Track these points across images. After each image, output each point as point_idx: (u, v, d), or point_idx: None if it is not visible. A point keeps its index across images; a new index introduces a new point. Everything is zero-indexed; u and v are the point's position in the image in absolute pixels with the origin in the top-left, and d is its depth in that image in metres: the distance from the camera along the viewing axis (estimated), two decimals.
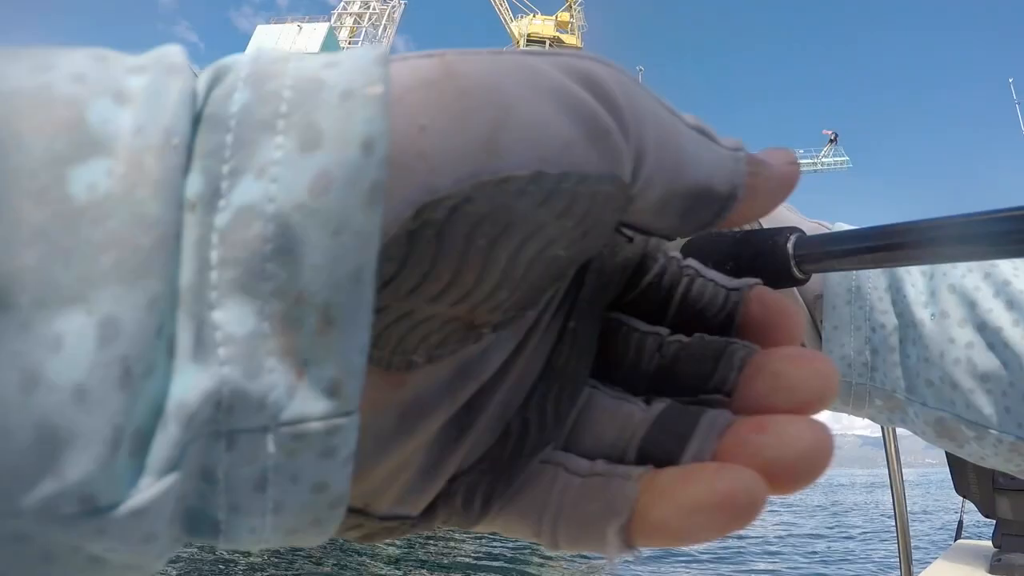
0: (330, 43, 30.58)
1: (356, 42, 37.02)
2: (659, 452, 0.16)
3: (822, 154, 30.16)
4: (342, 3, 37.84)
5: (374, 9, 38.03)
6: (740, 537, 9.09)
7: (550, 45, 30.57)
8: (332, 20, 34.76)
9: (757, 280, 0.19)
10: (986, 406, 0.33)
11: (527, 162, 0.13)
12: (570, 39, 31.71)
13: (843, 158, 30.17)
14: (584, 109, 0.13)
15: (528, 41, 30.57)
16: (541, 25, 31.92)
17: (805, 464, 0.14)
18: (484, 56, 0.13)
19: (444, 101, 0.12)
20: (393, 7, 39.25)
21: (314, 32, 29.93)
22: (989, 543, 2.00)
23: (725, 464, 0.14)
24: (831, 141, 30.17)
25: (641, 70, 30.72)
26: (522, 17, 32.39)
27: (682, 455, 0.15)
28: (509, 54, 0.14)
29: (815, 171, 30.56)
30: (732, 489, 0.14)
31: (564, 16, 32.44)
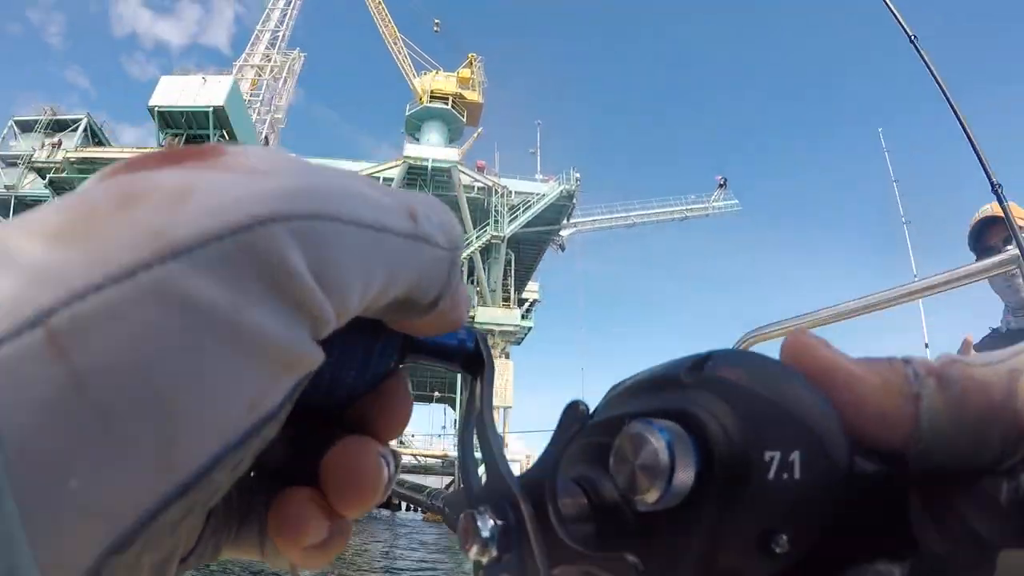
0: (235, 96, 30.63)
1: (257, 94, 37.17)
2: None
3: (713, 199, 32.21)
4: (243, 55, 38.03)
5: (275, 62, 38.38)
6: None
7: (452, 102, 31.73)
8: (234, 72, 34.87)
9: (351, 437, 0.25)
10: None
11: (206, 461, 0.15)
12: (472, 95, 32.88)
13: (733, 201, 32.28)
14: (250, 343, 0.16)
15: (431, 97, 31.61)
16: (444, 81, 32.83)
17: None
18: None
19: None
20: (293, 59, 39.72)
21: (219, 84, 29.92)
22: None
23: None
24: (720, 186, 32.26)
25: (539, 124, 32.20)
26: (425, 73, 33.31)
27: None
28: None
29: (707, 215, 32.55)
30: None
31: (465, 73, 33.52)
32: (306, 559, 0.25)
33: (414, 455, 28.44)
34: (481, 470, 0.27)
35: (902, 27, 2.74)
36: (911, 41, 2.66)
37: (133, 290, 0.14)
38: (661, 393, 0.23)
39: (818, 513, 0.20)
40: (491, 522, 0.24)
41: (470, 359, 0.30)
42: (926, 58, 2.58)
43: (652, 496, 0.20)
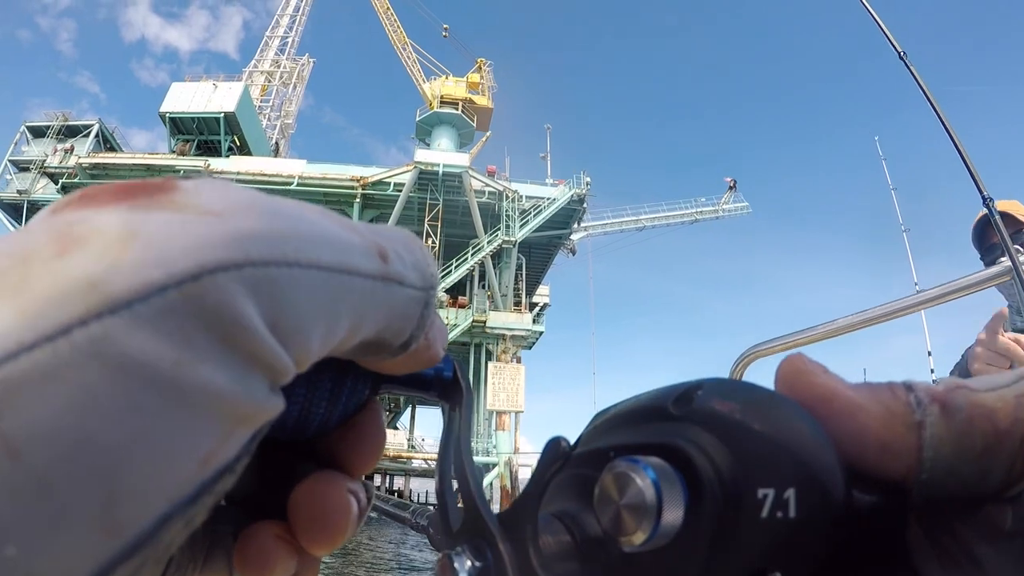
0: (245, 102, 30.76)
1: (268, 100, 37.29)
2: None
3: (723, 201, 32.16)
4: (252, 61, 38.17)
5: (285, 68, 38.48)
6: None
7: (462, 107, 31.82)
8: (244, 78, 35.00)
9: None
10: None
11: (153, 521, 0.14)
12: (482, 100, 32.98)
13: (743, 203, 32.14)
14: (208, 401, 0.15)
15: (441, 102, 31.65)
16: (453, 87, 32.87)
17: None
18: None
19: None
20: (303, 65, 39.82)
21: (229, 91, 30.04)
22: None
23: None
24: (730, 188, 32.19)
25: (549, 128, 32.19)
26: (434, 79, 33.40)
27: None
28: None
29: (717, 217, 32.52)
30: None
31: (474, 77, 33.59)
32: None
33: (424, 459, 28.49)
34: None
35: (892, 44, 2.76)
36: (900, 57, 2.68)
37: (67, 350, 0.13)
38: (648, 425, 0.22)
39: (814, 551, 0.19)
40: (468, 563, 0.23)
41: (447, 388, 0.29)
42: (915, 73, 2.59)
43: (639, 537, 0.19)
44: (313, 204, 0.20)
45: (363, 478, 0.27)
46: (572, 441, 0.25)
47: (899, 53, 2.73)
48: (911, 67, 2.65)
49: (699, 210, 32.03)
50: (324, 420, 0.25)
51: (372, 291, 0.20)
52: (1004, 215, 2.12)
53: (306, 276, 0.17)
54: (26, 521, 0.12)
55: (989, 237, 2.22)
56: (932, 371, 5.89)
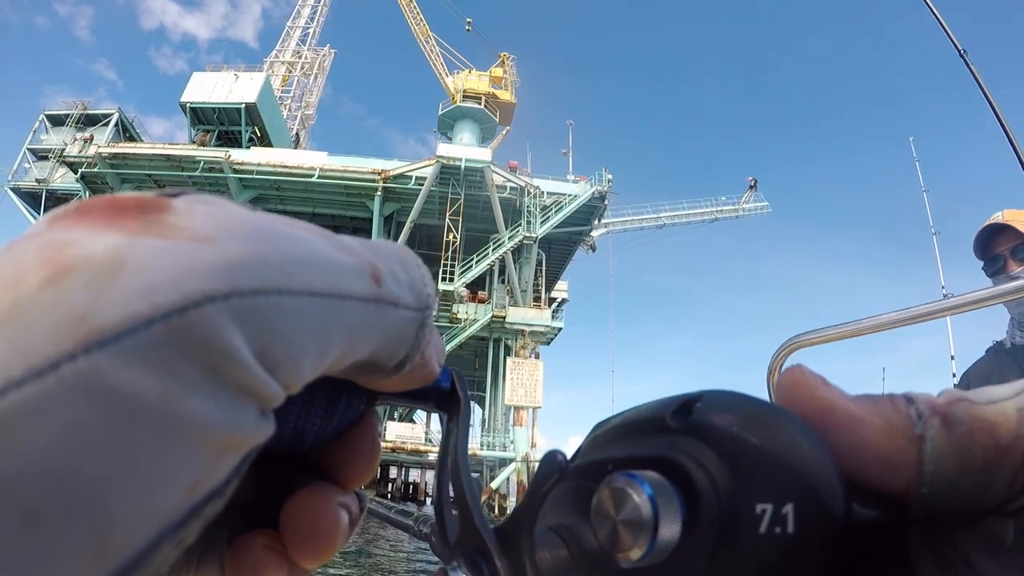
0: (266, 93, 30.69)
1: (288, 91, 37.23)
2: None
3: (743, 200, 32.04)
4: (273, 51, 38.12)
5: (306, 58, 38.42)
6: None
7: (485, 101, 31.70)
8: (265, 69, 34.96)
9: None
10: None
11: (143, 547, 0.15)
12: (504, 95, 32.91)
13: (763, 203, 32.03)
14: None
15: (464, 96, 31.58)
16: (476, 81, 32.86)
17: None
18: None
19: None
20: (324, 56, 39.74)
21: (251, 82, 29.97)
22: None
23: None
24: (751, 187, 32.06)
25: (571, 124, 32.06)
26: (457, 73, 33.34)
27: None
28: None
29: (737, 217, 32.40)
30: None
31: (497, 72, 33.54)
32: None
33: (435, 453, 28.47)
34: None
35: (952, 42, 2.70)
36: (960, 55, 2.63)
37: (56, 385, 0.13)
38: (646, 438, 0.22)
39: (813, 567, 0.19)
40: None
41: (445, 398, 0.28)
42: (975, 72, 2.54)
43: (636, 554, 0.19)
44: (308, 224, 0.20)
45: (358, 489, 0.27)
46: (572, 453, 0.25)
47: (959, 51, 2.69)
48: (971, 66, 2.62)
49: (719, 209, 31.92)
50: (319, 435, 0.25)
51: (365, 314, 0.20)
52: (1008, 228, 2.10)
53: (296, 303, 0.17)
54: (18, 553, 0.13)
55: (993, 247, 2.15)
56: (954, 375, 5.69)
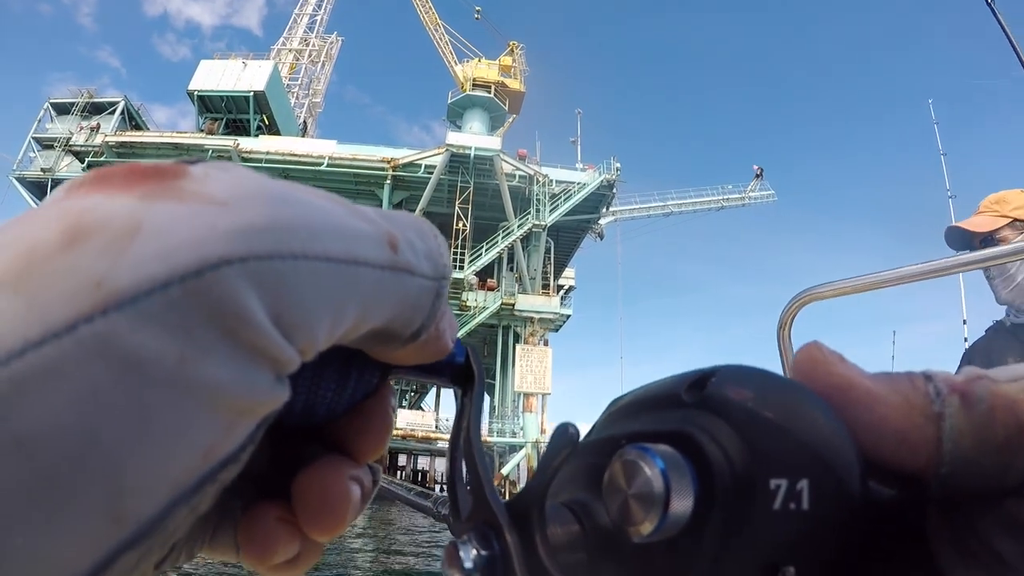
0: (275, 81, 30.65)
1: (296, 78, 37.14)
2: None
3: (749, 188, 32.17)
4: (281, 39, 38.00)
5: (313, 46, 38.31)
6: None
7: (495, 89, 31.71)
8: (273, 56, 34.87)
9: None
10: None
11: (158, 511, 0.15)
12: (513, 83, 32.87)
13: (769, 192, 32.17)
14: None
15: (474, 85, 31.58)
16: (486, 69, 32.79)
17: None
18: None
19: None
20: (331, 44, 39.62)
21: (259, 69, 29.93)
22: None
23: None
24: (757, 176, 32.23)
25: (579, 113, 32.09)
26: (467, 61, 33.28)
27: None
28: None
29: (743, 205, 32.56)
30: None
31: (506, 60, 33.47)
32: (275, 574, 0.24)
33: (446, 440, 28.73)
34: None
35: None
36: (987, 3, 2.57)
37: (73, 346, 0.13)
38: (660, 412, 0.22)
39: (829, 545, 0.19)
40: (474, 552, 0.23)
41: (459, 373, 0.28)
42: (1001, 20, 2.45)
43: (647, 528, 0.19)
44: (323, 190, 0.20)
45: (371, 462, 0.27)
46: (587, 428, 0.25)
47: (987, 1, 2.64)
48: (997, 12, 2.53)
49: (725, 197, 32.07)
50: (331, 407, 0.25)
51: (381, 281, 0.20)
52: (964, 231, 2.13)
53: (312, 267, 0.17)
54: (36, 513, 0.13)
55: (954, 245, 2.20)
56: (966, 339, 5.85)
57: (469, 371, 0.28)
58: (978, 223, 2.13)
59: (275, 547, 0.24)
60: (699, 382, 0.21)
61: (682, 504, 0.19)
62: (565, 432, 0.23)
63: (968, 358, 2.24)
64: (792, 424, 0.19)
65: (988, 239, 2.10)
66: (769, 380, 0.20)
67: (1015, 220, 2.07)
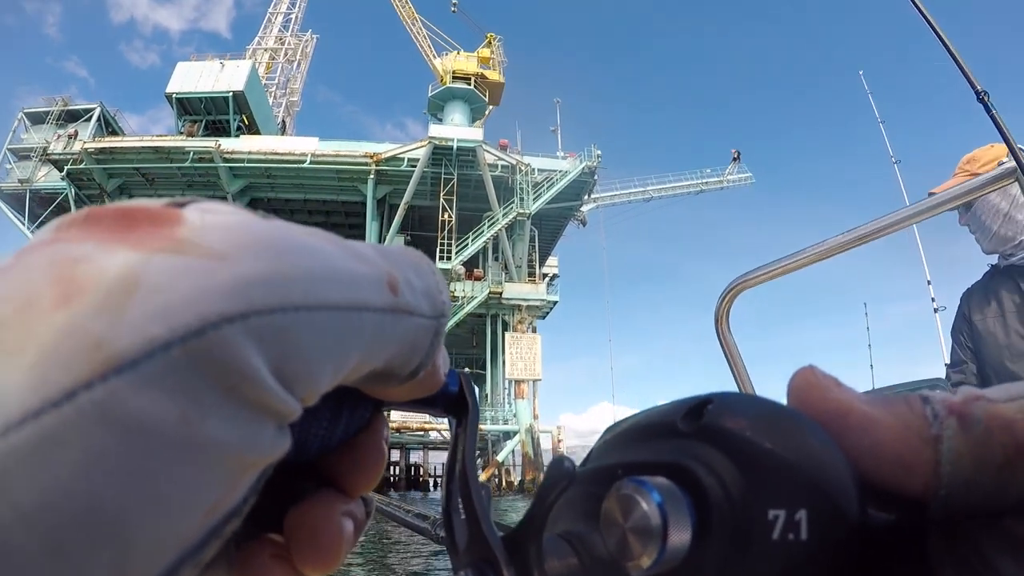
0: (254, 80, 30.66)
1: (272, 78, 37.13)
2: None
3: (727, 172, 32.76)
4: (256, 38, 37.93)
5: (289, 44, 38.31)
6: None
7: (475, 81, 31.96)
8: (248, 55, 34.79)
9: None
10: None
11: (162, 572, 0.15)
12: (493, 75, 33.08)
13: (746, 174, 32.79)
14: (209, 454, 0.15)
15: (454, 78, 31.79)
16: (465, 62, 32.95)
17: None
18: None
19: None
20: (306, 42, 39.64)
21: (237, 69, 29.93)
22: None
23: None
24: (734, 159, 32.83)
25: (558, 102, 32.53)
26: (446, 54, 33.42)
27: None
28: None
29: (722, 188, 33.13)
30: None
31: (485, 52, 33.66)
32: None
33: (440, 431, 28.97)
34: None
35: None
36: None
37: (74, 414, 0.13)
38: (656, 442, 0.22)
39: (827, 574, 0.18)
40: None
41: (453, 403, 0.27)
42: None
43: (645, 562, 0.19)
44: (322, 232, 0.20)
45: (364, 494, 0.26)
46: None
47: None
48: None
49: (704, 181, 32.68)
50: (324, 443, 0.24)
51: (382, 324, 0.20)
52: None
53: (314, 318, 0.17)
54: None
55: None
56: (933, 299, 6.18)
57: (463, 400, 0.27)
58: (951, 186, 2.13)
59: None
60: (695, 411, 0.21)
61: (680, 537, 0.19)
62: (561, 466, 0.22)
63: (966, 301, 2.31)
64: (789, 453, 0.19)
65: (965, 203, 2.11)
66: (765, 408, 0.20)
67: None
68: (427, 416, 0.27)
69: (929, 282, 6.40)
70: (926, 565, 0.19)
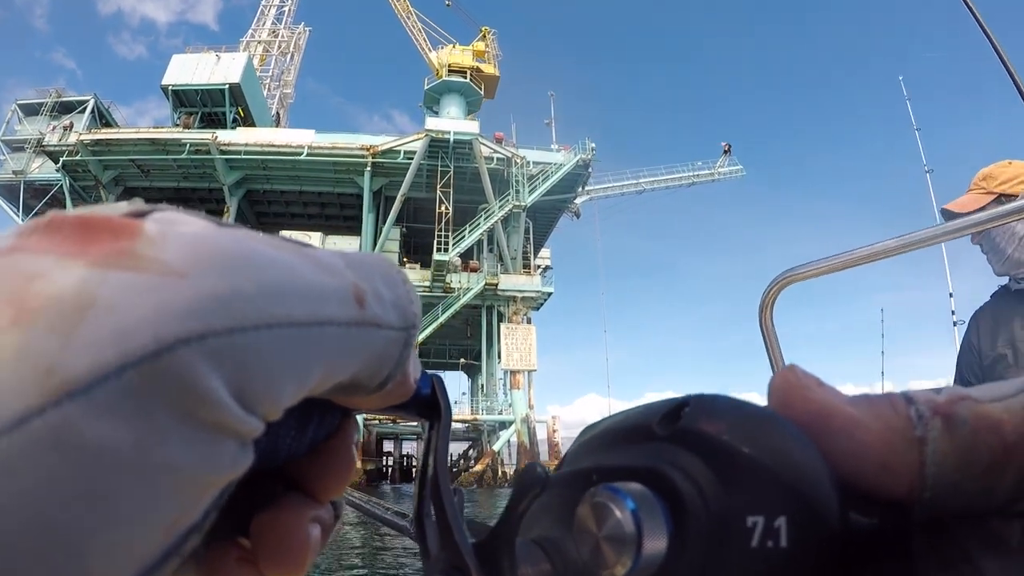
0: (249, 73, 30.76)
1: (267, 71, 37.19)
2: None
3: (718, 165, 33.16)
4: (249, 30, 37.96)
5: (283, 37, 38.34)
6: None
7: (470, 74, 32.20)
8: (242, 48, 34.83)
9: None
10: None
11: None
12: (488, 68, 33.27)
13: (737, 167, 33.13)
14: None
15: (449, 71, 31.98)
16: (460, 55, 33.11)
17: None
18: None
19: None
20: (299, 35, 39.68)
21: (233, 62, 30.02)
22: None
23: None
24: (725, 152, 33.20)
25: (552, 95, 32.80)
26: (441, 48, 33.57)
27: None
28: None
29: (713, 180, 33.56)
30: None
31: (480, 46, 33.83)
32: None
33: None
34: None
35: None
36: None
37: (25, 441, 0.13)
38: (632, 446, 0.21)
39: None
40: None
41: (425, 406, 0.27)
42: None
43: (619, 571, 0.18)
44: (288, 243, 0.20)
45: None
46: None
47: None
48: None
49: (696, 173, 33.06)
50: (292, 450, 0.24)
51: (347, 338, 0.19)
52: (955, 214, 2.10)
53: (274, 336, 0.17)
54: None
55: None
56: (953, 312, 6.04)
57: (435, 403, 0.27)
58: (965, 202, 2.13)
59: None
60: (672, 413, 0.21)
61: (655, 546, 0.18)
62: (533, 472, 0.22)
63: (975, 323, 2.25)
64: (769, 458, 0.18)
65: None
66: (744, 411, 0.20)
67: (1002, 195, 2.06)
68: None
69: (951, 294, 6.25)
70: (910, 567, 0.18)
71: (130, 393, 0.14)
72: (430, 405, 0.27)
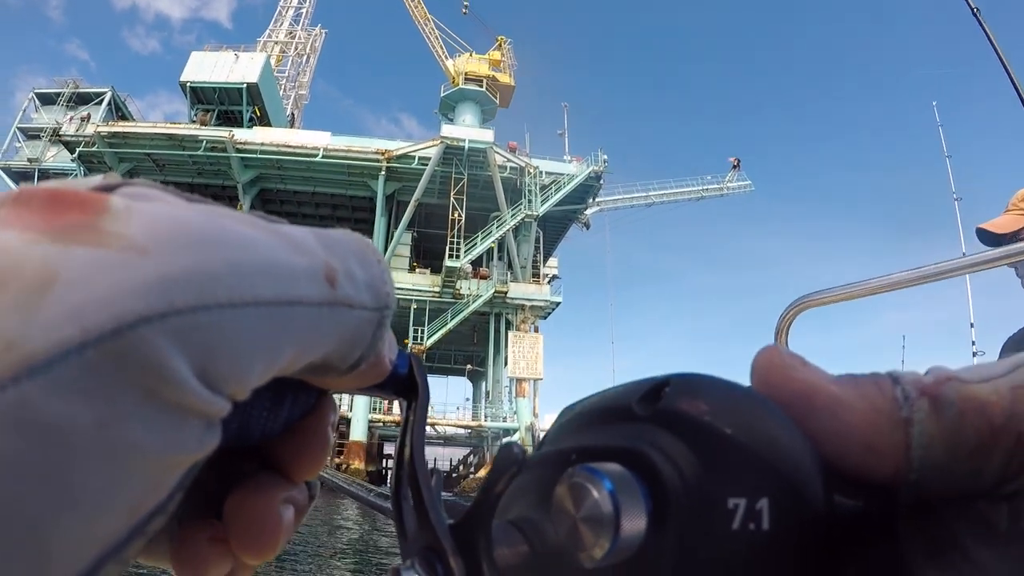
0: (267, 73, 30.95)
1: (283, 72, 37.39)
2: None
3: (727, 179, 33.40)
4: (266, 31, 38.16)
5: (300, 39, 38.56)
6: None
7: (486, 83, 32.40)
8: (259, 48, 35.05)
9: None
10: None
11: (84, 569, 0.14)
12: (504, 77, 33.42)
13: (746, 182, 33.30)
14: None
15: (466, 79, 32.19)
16: (477, 64, 33.27)
17: None
18: None
19: None
20: (315, 37, 39.89)
21: (251, 61, 30.21)
22: None
23: None
24: (734, 167, 33.45)
25: (566, 106, 33.00)
26: (458, 55, 33.72)
27: None
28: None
29: (722, 195, 33.79)
30: None
31: (495, 55, 33.98)
32: None
33: (442, 425, 29.55)
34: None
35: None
36: (973, 14, 2.56)
37: None
38: (611, 426, 0.21)
39: (791, 565, 0.18)
40: None
41: (403, 385, 0.27)
42: (988, 31, 2.39)
43: (598, 553, 0.18)
44: (260, 220, 0.20)
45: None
46: (541, 439, 0.25)
47: (972, 8, 2.59)
48: (983, 23, 2.52)
49: (704, 187, 33.25)
50: (265, 429, 0.23)
51: (318, 318, 0.19)
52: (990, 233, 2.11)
53: (240, 315, 0.16)
54: None
55: (986, 243, 2.20)
56: (974, 343, 6.06)
57: (413, 382, 0.27)
58: (1002, 223, 2.14)
59: (206, 567, 0.23)
60: (652, 393, 0.20)
61: (634, 527, 0.18)
62: (510, 451, 0.21)
63: (1007, 350, 2.22)
64: (751, 439, 0.18)
65: (1014, 238, 2.09)
66: (726, 390, 0.19)
67: None
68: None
69: (972, 324, 6.23)
70: (896, 551, 0.18)
71: (91, 371, 0.14)
72: (407, 384, 0.26)
